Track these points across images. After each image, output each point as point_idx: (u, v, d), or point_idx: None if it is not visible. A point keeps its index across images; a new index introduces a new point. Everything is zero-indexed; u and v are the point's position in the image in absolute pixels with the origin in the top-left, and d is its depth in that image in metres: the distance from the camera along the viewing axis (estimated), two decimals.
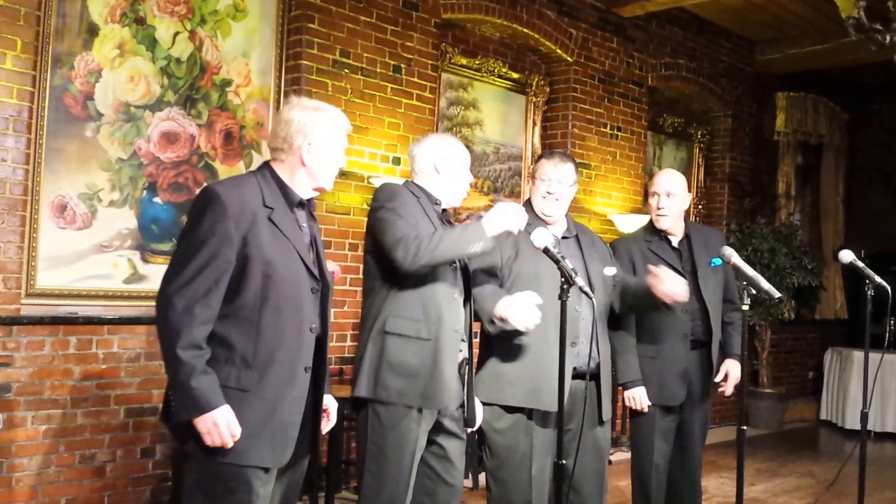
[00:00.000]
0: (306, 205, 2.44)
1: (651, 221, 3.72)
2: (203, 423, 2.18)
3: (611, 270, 3.30)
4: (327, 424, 2.58)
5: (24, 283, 3.92)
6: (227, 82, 4.61)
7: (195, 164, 4.50)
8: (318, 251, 2.45)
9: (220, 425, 2.18)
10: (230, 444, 2.21)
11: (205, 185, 2.34)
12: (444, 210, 3.03)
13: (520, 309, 2.85)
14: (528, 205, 3.27)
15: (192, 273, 2.19)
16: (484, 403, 3.08)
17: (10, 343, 3.82)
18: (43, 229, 3.98)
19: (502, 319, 2.89)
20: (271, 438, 2.29)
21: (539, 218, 3.20)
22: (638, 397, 3.56)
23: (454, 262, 2.87)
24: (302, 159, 2.37)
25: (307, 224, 2.43)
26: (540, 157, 3.32)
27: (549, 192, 3.18)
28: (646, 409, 3.56)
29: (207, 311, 2.20)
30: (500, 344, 3.07)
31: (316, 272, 2.39)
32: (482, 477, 4.81)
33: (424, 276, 2.79)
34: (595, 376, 3.16)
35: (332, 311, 2.59)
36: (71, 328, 4.02)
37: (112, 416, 4.15)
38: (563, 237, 3.23)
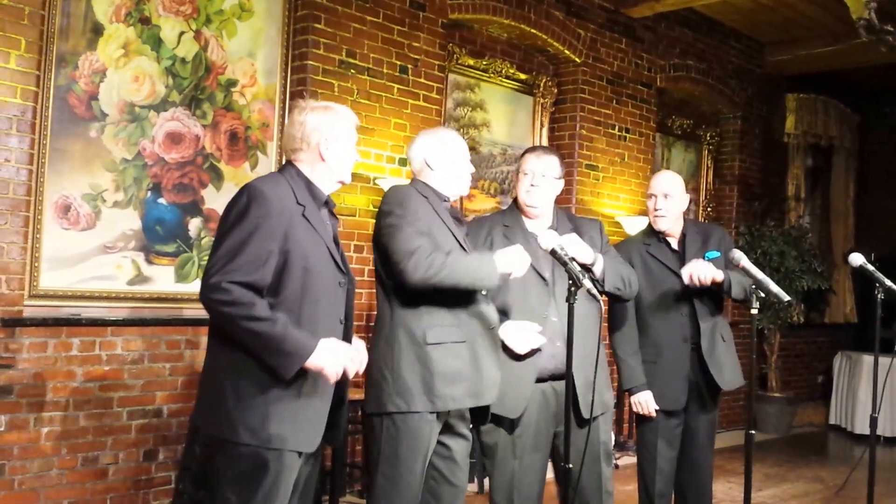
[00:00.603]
0: (329, 202, 2.56)
1: (650, 224, 3.72)
2: (316, 361, 2.31)
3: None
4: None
5: (28, 284, 3.91)
6: (233, 82, 4.60)
7: (200, 165, 4.48)
8: (339, 247, 2.55)
9: (331, 354, 2.32)
10: (353, 369, 2.40)
11: (246, 183, 2.45)
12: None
13: (522, 339, 3.01)
14: (514, 203, 3.29)
15: (244, 260, 2.28)
16: None
17: (13, 344, 3.81)
18: (46, 230, 3.97)
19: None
20: (308, 424, 2.38)
21: (523, 212, 3.23)
22: (644, 402, 3.55)
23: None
24: (321, 155, 2.50)
25: (329, 221, 2.55)
26: (524, 153, 3.32)
27: (532, 185, 3.18)
28: (653, 414, 3.55)
29: (262, 283, 2.30)
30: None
31: (342, 266, 2.51)
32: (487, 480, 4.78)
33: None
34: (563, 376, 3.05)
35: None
36: (74, 329, 4.01)
37: (115, 418, 4.14)
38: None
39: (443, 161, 2.98)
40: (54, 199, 4.00)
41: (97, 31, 4.11)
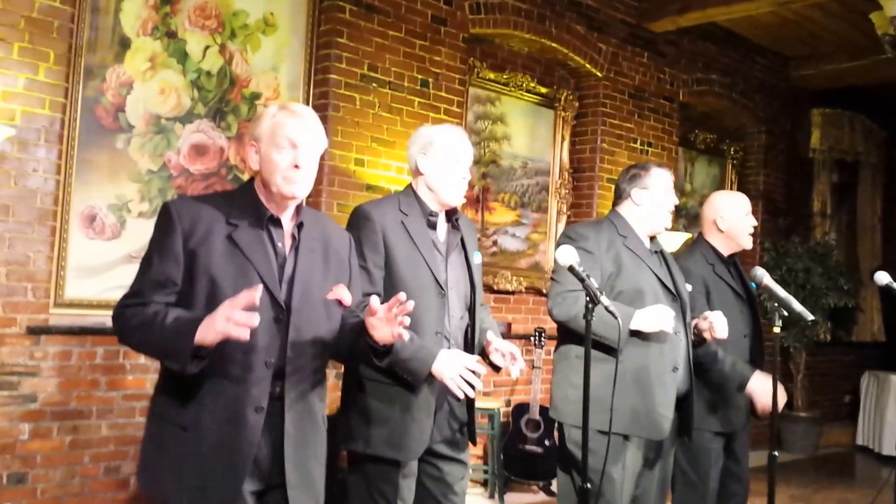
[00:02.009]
0: (294, 222, 2.25)
1: (705, 241, 3.70)
2: (206, 335, 1.96)
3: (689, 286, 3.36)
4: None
5: (53, 293, 4.00)
6: (257, 95, 4.71)
7: (224, 177, 4.59)
8: (294, 274, 2.19)
9: (221, 320, 1.93)
10: (249, 322, 1.92)
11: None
12: (453, 211, 2.90)
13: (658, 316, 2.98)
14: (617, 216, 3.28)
15: (140, 289, 2.12)
16: (575, 427, 3.03)
17: (38, 352, 3.90)
18: (72, 239, 4.07)
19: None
20: (201, 486, 2.07)
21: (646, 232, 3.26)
22: (763, 390, 3.45)
23: (441, 289, 2.79)
24: (250, 165, 2.22)
25: (285, 244, 2.22)
26: (658, 168, 3.28)
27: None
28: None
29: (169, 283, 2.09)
30: (593, 366, 2.97)
31: (282, 298, 2.15)
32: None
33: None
34: (684, 400, 3.22)
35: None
36: (98, 339, 4.09)
37: (137, 428, 4.18)
38: (653, 252, 3.24)
39: (431, 163, 2.82)
40: (80, 209, 4.11)
41: (124, 44, 4.24)
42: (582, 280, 2.58)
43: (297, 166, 2.16)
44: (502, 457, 5.36)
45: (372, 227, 2.72)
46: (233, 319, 1.91)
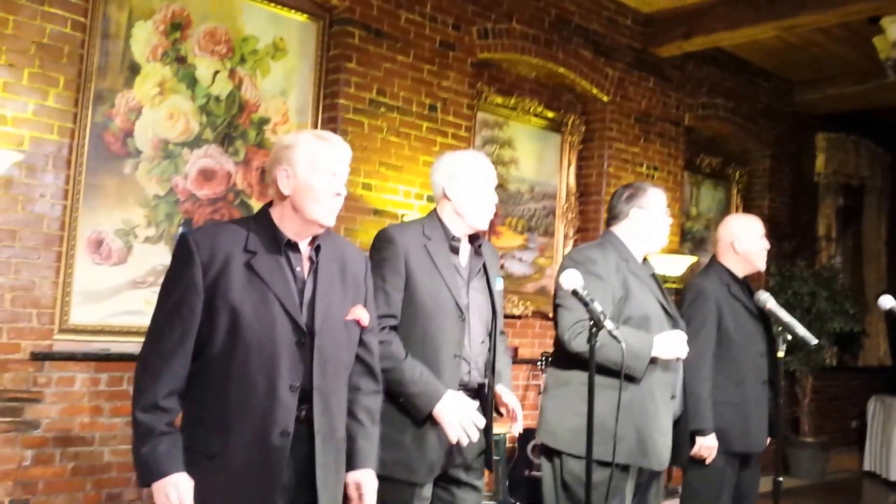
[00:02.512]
0: (311, 246, 2.27)
1: (719, 263, 3.76)
2: (155, 491, 2.07)
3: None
4: None
5: (58, 319, 4.00)
6: (265, 120, 4.72)
7: (231, 202, 4.59)
8: (314, 297, 2.22)
9: (170, 496, 2.05)
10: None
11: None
12: (476, 237, 2.93)
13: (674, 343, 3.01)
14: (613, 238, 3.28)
15: (159, 328, 2.13)
16: (573, 456, 3.01)
17: (42, 378, 3.89)
18: (78, 265, 4.07)
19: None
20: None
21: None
22: (714, 446, 3.51)
23: (461, 313, 2.82)
24: (280, 189, 2.21)
25: (304, 268, 2.24)
26: (652, 189, 3.30)
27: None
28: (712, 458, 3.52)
29: (174, 369, 2.10)
30: (600, 393, 2.92)
31: (304, 322, 2.17)
32: None
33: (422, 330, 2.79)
34: (675, 426, 3.21)
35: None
36: (103, 364, 4.08)
37: None
38: (653, 275, 3.26)
39: (461, 188, 2.86)
40: (87, 234, 4.11)
41: (134, 69, 4.25)
42: (586, 304, 2.60)
43: (338, 194, 2.21)
44: (507, 483, 5.32)
45: (394, 249, 2.77)
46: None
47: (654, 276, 3.27)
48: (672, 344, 3.02)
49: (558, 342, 3.12)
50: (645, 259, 3.29)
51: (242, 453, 2.10)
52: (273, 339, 2.13)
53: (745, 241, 3.70)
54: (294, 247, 2.23)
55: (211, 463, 2.10)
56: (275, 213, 2.24)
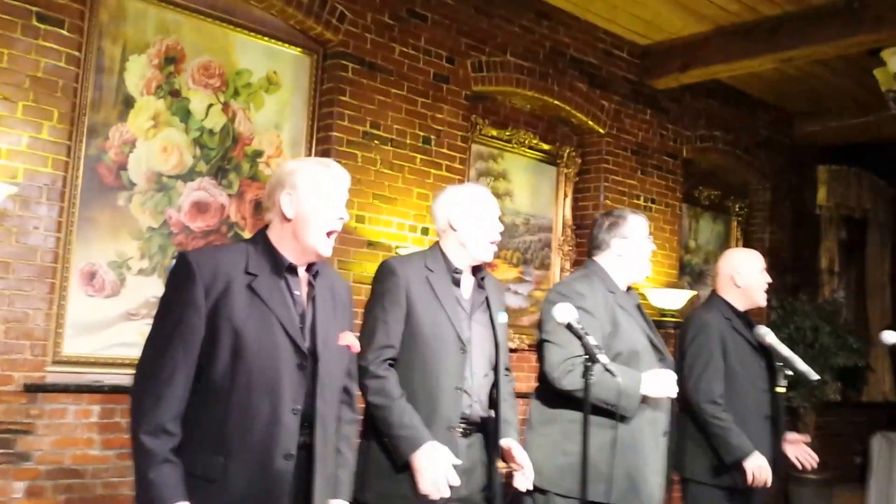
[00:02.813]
0: (309, 270, 2.32)
1: (719, 297, 3.83)
2: None
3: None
4: None
5: (51, 350, 4.05)
6: (259, 153, 4.82)
7: (224, 234, 4.68)
8: (315, 322, 2.28)
9: None
10: None
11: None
12: (479, 269, 2.99)
13: (663, 381, 3.02)
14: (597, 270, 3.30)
15: (160, 349, 2.13)
16: (560, 496, 3.04)
17: (34, 410, 3.94)
18: (72, 297, 4.14)
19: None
20: None
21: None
22: (764, 465, 3.52)
23: (463, 345, 2.87)
24: (282, 212, 2.25)
25: (303, 292, 2.29)
26: (633, 216, 3.36)
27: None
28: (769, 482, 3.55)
29: (176, 391, 2.11)
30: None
31: (305, 345, 2.22)
32: None
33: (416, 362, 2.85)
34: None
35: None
36: (95, 397, 4.13)
37: (131, 487, 4.16)
38: (638, 305, 3.28)
39: (467, 220, 2.94)
40: (81, 266, 4.19)
41: (128, 103, 4.36)
42: (580, 338, 2.64)
43: (341, 219, 2.28)
44: None
45: (396, 281, 2.84)
46: None
47: (639, 306, 3.31)
48: (661, 382, 3.04)
49: (544, 378, 3.14)
50: (630, 288, 3.31)
51: (245, 477, 2.12)
52: (275, 362, 2.16)
53: (745, 276, 3.77)
54: (293, 270, 2.27)
55: (211, 487, 2.11)
56: (273, 237, 2.28)
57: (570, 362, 3.01)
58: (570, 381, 3.00)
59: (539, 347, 3.20)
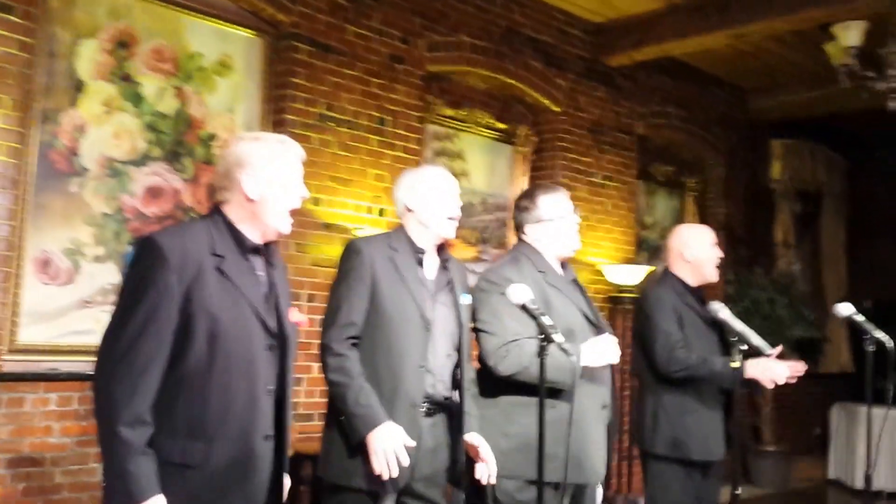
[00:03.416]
0: (263, 250, 2.34)
1: (671, 273, 3.97)
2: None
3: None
4: None
5: (6, 339, 4.12)
6: (213, 137, 4.91)
7: (180, 219, 4.76)
8: (278, 302, 2.32)
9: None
10: None
11: (145, 235, 2.25)
12: (442, 251, 3.10)
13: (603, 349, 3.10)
14: (528, 250, 3.39)
15: (133, 336, 2.09)
16: (507, 478, 3.10)
17: None
18: (26, 285, 4.21)
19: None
20: None
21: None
22: (768, 367, 3.59)
23: (426, 323, 2.96)
24: (245, 193, 2.27)
25: (264, 272, 2.32)
26: (547, 193, 3.40)
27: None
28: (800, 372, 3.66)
29: (151, 380, 2.09)
30: (525, 413, 3.11)
31: (273, 326, 2.28)
32: None
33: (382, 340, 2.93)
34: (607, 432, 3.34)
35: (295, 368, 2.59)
36: (52, 385, 4.20)
37: (90, 474, 4.29)
38: (570, 281, 3.36)
39: (422, 202, 3.03)
40: (35, 254, 4.25)
41: (79, 88, 4.43)
42: (535, 318, 2.72)
43: (301, 195, 2.34)
44: (464, 497, 5.53)
45: (361, 259, 2.95)
46: None
47: (576, 281, 3.40)
48: (601, 349, 3.12)
49: (482, 365, 3.21)
50: (565, 264, 3.41)
51: (226, 461, 2.15)
52: (250, 344, 2.20)
53: (694, 249, 3.91)
54: (256, 251, 2.31)
55: (190, 473, 2.13)
56: (231, 216, 2.29)
57: (504, 348, 3.12)
58: (507, 365, 3.12)
59: (476, 337, 3.27)
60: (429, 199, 3.04)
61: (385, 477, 2.77)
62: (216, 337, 2.15)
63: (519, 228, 3.41)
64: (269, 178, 2.28)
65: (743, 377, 3.52)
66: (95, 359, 2.16)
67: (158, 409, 2.11)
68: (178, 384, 2.13)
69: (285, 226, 2.32)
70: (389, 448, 2.76)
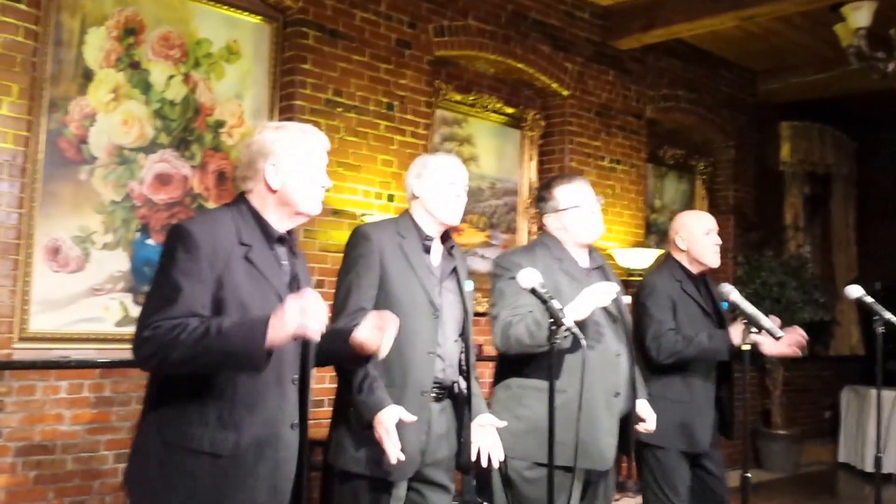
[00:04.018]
0: (287, 240, 2.37)
1: (672, 259, 3.95)
2: (277, 334, 2.03)
3: (626, 298, 3.46)
4: None
5: (17, 327, 4.14)
6: (221, 123, 4.92)
7: (188, 206, 4.78)
8: (300, 290, 2.29)
9: (294, 313, 2.02)
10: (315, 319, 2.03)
11: (176, 223, 2.30)
12: (447, 238, 3.11)
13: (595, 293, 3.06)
14: (547, 236, 3.42)
15: (166, 308, 2.09)
16: (517, 460, 3.17)
17: (2, 388, 4.03)
18: (36, 273, 4.23)
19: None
20: None
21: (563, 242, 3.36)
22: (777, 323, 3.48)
23: (435, 310, 2.97)
24: (268, 184, 2.30)
25: (288, 261, 2.35)
26: (573, 182, 3.44)
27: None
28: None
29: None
30: (535, 396, 3.16)
31: None
32: None
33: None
34: (624, 420, 3.32)
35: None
36: (63, 372, 4.23)
37: (101, 461, 4.32)
38: (593, 269, 3.36)
39: (426, 188, 3.05)
40: (44, 241, 4.27)
41: (87, 76, 4.43)
42: (544, 302, 2.75)
43: (324, 186, 2.36)
44: (475, 482, 5.55)
45: (369, 246, 2.95)
46: (308, 312, 1.99)
47: (602, 269, 3.39)
48: (593, 293, 3.06)
49: (497, 350, 3.29)
50: (594, 253, 3.43)
51: (255, 450, 2.17)
52: None
53: (686, 238, 3.89)
54: (281, 240, 2.34)
55: (218, 462, 2.13)
56: (256, 205, 2.32)
57: (499, 326, 3.18)
58: (502, 340, 3.18)
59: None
60: (435, 188, 3.05)
61: (392, 460, 2.76)
62: None
63: (541, 219, 3.45)
64: (290, 168, 2.30)
65: (735, 346, 3.49)
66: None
67: (191, 399, 2.14)
68: (211, 375, 2.15)
69: (314, 208, 2.35)
70: (392, 428, 2.77)
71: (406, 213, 3.12)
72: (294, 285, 2.33)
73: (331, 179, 4.96)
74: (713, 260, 3.91)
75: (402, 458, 2.76)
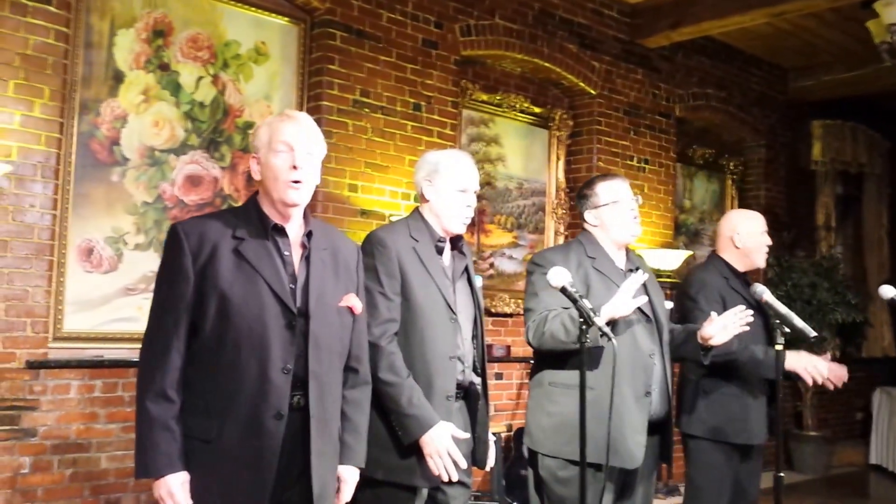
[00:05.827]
0: (306, 230, 2.42)
1: (718, 257, 3.96)
2: (154, 487, 2.23)
3: (669, 304, 3.49)
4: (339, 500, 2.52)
5: (52, 327, 4.22)
6: (250, 125, 4.96)
7: (218, 207, 4.81)
8: (307, 282, 2.35)
9: (164, 500, 2.22)
10: None
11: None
12: (458, 238, 3.08)
13: (623, 300, 3.04)
14: (588, 235, 3.40)
15: (156, 317, 2.29)
16: (548, 456, 3.19)
17: (37, 387, 4.11)
18: (70, 273, 4.31)
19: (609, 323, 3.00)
20: (228, 499, 2.25)
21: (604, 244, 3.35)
22: (813, 361, 3.63)
23: (453, 313, 2.96)
24: (252, 174, 2.40)
25: (289, 252, 2.37)
26: (595, 183, 3.43)
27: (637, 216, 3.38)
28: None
29: (173, 358, 2.24)
30: (565, 393, 3.16)
31: (293, 305, 2.30)
32: None
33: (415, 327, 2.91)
34: (662, 425, 3.32)
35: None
36: (97, 371, 4.30)
37: None
38: (629, 270, 3.32)
39: (433, 194, 3.01)
40: (77, 242, 4.35)
41: (118, 78, 4.50)
42: (574, 301, 2.75)
43: (294, 167, 2.31)
44: (504, 482, 5.56)
45: (388, 253, 2.91)
46: None
47: (637, 271, 3.31)
48: (623, 301, 3.04)
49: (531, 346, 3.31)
50: (630, 254, 3.42)
51: (237, 437, 2.22)
52: (263, 322, 2.24)
53: (745, 237, 3.90)
54: (281, 231, 2.36)
55: (207, 447, 2.24)
56: (260, 200, 2.40)
57: (534, 322, 3.18)
58: (532, 335, 3.18)
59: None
60: (445, 195, 3.01)
61: (445, 479, 2.79)
62: (226, 314, 2.24)
63: (581, 217, 3.45)
64: (264, 155, 2.36)
65: (783, 367, 3.48)
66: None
67: (185, 387, 2.27)
68: (197, 361, 2.27)
69: (290, 195, 2.34)
70: (444, 449, 2.79)
71: (416, 213, 3.08)
72: (297, 275, 2.36)
73: (359, 180, 5.19)
74: (763, 260, 3.96)
75: (455, 477, 2.79)
